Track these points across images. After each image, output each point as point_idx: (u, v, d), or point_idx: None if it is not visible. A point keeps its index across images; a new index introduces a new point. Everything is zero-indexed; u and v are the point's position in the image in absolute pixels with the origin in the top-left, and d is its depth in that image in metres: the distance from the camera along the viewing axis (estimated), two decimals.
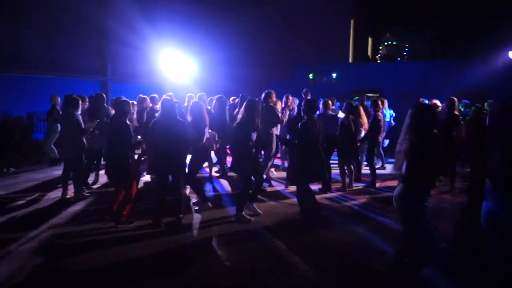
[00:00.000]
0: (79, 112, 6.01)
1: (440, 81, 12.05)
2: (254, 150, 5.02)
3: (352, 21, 16.26)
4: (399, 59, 15.61)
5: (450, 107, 6.44)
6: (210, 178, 7.32)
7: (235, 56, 16.22)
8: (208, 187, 6.80)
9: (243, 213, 5.02)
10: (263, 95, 6.52)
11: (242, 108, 5.04)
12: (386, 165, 8.46)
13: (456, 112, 6.49)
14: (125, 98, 5.06)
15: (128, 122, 4.84)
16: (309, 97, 8.06)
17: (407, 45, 16.15)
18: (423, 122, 2.87)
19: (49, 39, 11.20)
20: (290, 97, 7.49)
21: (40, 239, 4.38)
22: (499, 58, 11.83)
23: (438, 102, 8.04)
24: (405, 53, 16.03)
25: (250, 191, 5.10)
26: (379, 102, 7.24)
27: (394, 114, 9.38)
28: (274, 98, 6.53)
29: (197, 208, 5.48)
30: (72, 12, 11.73)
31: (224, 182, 7.22)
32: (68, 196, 5.94)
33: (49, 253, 4.02)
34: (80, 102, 6.11)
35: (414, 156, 2.82)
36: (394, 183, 7.22)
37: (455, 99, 6.57)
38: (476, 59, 12.30)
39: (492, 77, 11.53)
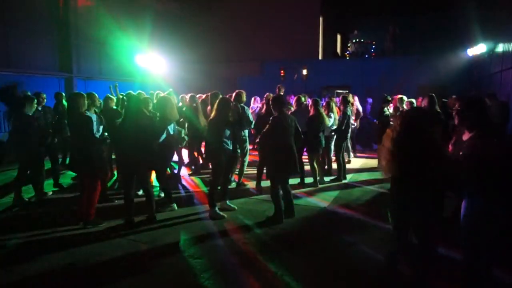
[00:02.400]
0: (33, 110, 5.64)
1: (403, 77, 12.54)
2: (228, 146, 5.03)
3: (321, 18, 16.51)
4: (366, 56, 16.05)
5: (431, 104, 6.48)
6: (179, 177, 7.21)
7: (206, 53, 16.08)
8: (178, 186, 6.71)
9: (216, 209, 5.03)
10: (233, 94, 6.41)
11: (215, 106, 5.05)
12: (353, 158, 8.81)
13: (438, 109, 6.57)
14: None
15: (88, 114, 4.74)
16: (282, 93, 8.22)
17: (374, 42, 16.62)
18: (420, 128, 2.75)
19: (4, 33, 10.57)
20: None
21: (6, 243, 4.18)
22: (459, 55, 12.44)
23: (404, 97, 8.26)
24: (372, 50, 16.49)
25: (219, 188, 5.15)
26: (349, 98, 7.43)
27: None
28: (244, 98, 6.46)
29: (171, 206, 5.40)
30: (30, 5, 11.15)
31: (197, 181, 7.17)
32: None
33: (15, 257, 3.86)
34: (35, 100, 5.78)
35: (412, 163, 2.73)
36: (364, 177, 7.50)
37: (434, 95, 6.58)
38: (437, 56, 12.88)
39: (452, 73, 12.13)
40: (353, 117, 8.71)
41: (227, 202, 5.38)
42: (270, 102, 5.21)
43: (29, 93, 6.47)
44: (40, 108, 6.25)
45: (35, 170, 5.75)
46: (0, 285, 3.40)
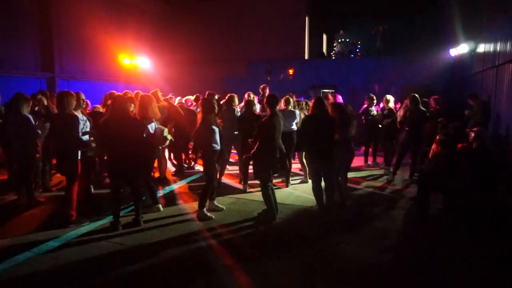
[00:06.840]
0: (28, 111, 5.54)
1: (387, 77, 12.72)
2: (217, 147, 5.00)
3: (307, 18, 16.56)
4: (352, 56, 16.16)
5: (415, 104, 6.61)
6: (164, 178, 7.11)
7: (193, 53, 15.95)
8: (163, 187, 6.63)
9: (204, 210, 5.00)
10: (226, 98, 6.81)
11: (200, 107, 5.06)
12: None
13: (423, 108, 6.73)
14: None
15: (73, 113, 4.66)
16: (267, 93, 8.23)
17: (359, 42, 16.74)
18: None
19: None
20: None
21: None
22: (441, 55, 12.65)
23: (389, 97, 8.28)
24: (358, 50, 16.59)
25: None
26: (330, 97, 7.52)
27: None
28: (237, 102, 6.82)
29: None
30: (10, 4, 10.86)
31: (182, 181, 7.11)
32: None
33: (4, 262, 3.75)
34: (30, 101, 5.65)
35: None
36: (351, 175, 7.55)
37: (416, 95, 6.69)
38: (420, 57, 13.07)
39: (435, 73, 12.33)
40: None
41: (215, 202, 5.35)
42: (265, 100, 5.17)
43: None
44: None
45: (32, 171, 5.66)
46: None
